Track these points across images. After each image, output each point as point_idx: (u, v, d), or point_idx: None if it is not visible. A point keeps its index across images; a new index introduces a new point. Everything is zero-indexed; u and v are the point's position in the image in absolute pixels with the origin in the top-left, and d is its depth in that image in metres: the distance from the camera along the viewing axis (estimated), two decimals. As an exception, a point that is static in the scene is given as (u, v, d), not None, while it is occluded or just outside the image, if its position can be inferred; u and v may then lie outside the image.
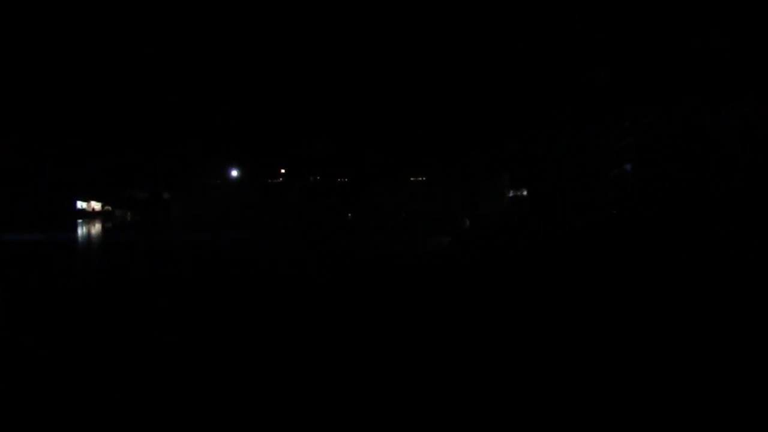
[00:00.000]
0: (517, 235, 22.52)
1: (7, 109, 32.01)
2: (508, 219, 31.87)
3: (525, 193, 39.84)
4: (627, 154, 28.81)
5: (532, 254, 15.77)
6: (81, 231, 32.48)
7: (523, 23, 35.09)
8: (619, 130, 29.09)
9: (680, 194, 22.60)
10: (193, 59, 34.47)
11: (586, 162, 31.73)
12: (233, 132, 37.06)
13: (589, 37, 30.76)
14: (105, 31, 32.58)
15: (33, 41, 31.67)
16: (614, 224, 20.39)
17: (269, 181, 41.02)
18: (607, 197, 28.66)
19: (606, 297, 8.97)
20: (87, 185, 39.41)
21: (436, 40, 36.85)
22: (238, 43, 35.74)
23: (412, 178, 41.75)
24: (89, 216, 43.16)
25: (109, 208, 44.89)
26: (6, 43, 31.08)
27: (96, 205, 45.62)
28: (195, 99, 36.07)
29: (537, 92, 34.87)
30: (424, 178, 41.64)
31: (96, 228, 35.23)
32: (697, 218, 17.80)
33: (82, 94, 33.16)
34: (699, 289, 9.22)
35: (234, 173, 40.49)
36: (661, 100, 25.79)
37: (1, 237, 25.96)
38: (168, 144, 36.26)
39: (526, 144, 36.18)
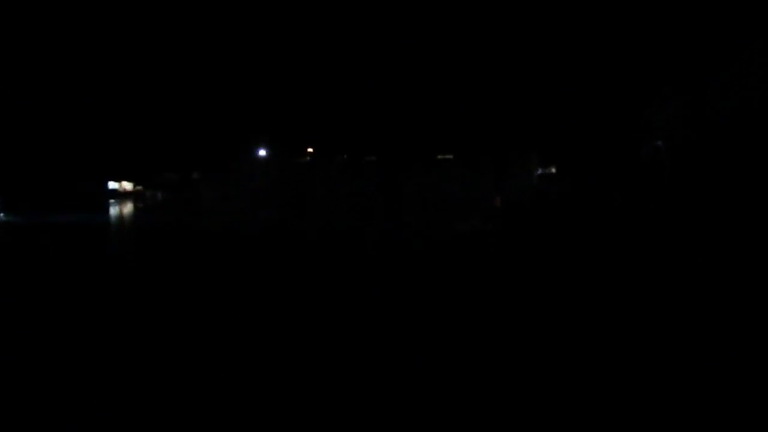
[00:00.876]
0: (552, 219, 22.72)
1: (42, 92, 33.29)
2: (541, 200, 32.56)
3: (553, 170, 40.49)
4: (661, 130, 29.25)
5: (570, 238, 15.90)
6: (114, 211, 33.96)
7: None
8: (654, 103, 29.53)
9: (716, 179, 22.33)
10: (220, 42, 35.30)
11: (618, 138, 32.28)
12: (260, 111, 38.08)
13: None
14: (138, 12, 33.41)
15: (64, 20, 32.61)
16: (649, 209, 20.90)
17: (297, 160, 41.99)
18: (639, 177, 28.61)
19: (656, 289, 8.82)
20: (119, 166, 40.58)
21: (466, 16, 37.13)
22: (264, 21, 36.45)
23: (439, 156, 42.23)
24: (121, 196, 44.56)
25: (141, 188, 46.12)
26: (40, 25, 32.03)
27: (128, 186, 46.96)
28: (220, 79, 37.05)
29: (566, 65, 35.58)
30: (452, 157, 42.10)
31: (128, 208, 36.62)
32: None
33: (113, 78, 34.38)
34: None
35: (262, 153, 41.48)
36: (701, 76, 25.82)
37: (39, 218, 27.00)
38: (197, 125, 37.13)
39: (556, 119, 36.77)
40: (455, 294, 8.77)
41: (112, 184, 44.72)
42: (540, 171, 40.82)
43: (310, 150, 42.14)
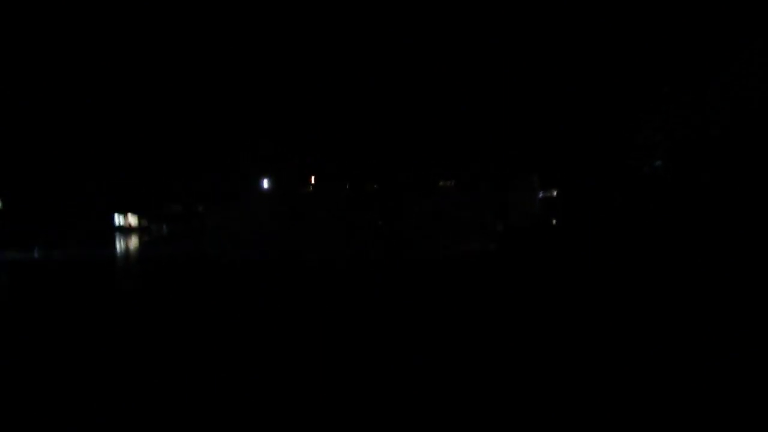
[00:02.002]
0: (552, 241, 24.39)
1: (45, 125, 34.93)
2: (541, 223, 34.35)
3: (555, 193, 41.71)
4: (659, 151, 30.54)
5: (571, 261, 16.68)
6: (121, 246, 35.25)
7: (551, 17, 36.39)
8: (651, 125, 30.37)
9: (718, 197, 23.71)
10: (220, 76, 37.04)
11: (618, 159, 33.27)
12: (262, 144, 39.76)
13: (620, 30, 31.19)
14: (140, 43, 35.07)
15: (67, 50, 34.30)
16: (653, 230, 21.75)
17: (300, 190, 43.57)
18: (640, 198, 30.21)
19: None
20: (123, 200, 42.08)
21: (462, 41, 38.65)
22: (263, 54, 38.25)
23: (441, 183, 43.74)
24: (126, 231, 45.87)
25: (145, 222, 47.42)
26: (39, 54, 33.54)
27: (132, 220, 48.28)
28: (222, 112, 38.77)
29: (565, 87, 35.82)
30: (452, 183, 43.65)
31: (134, 241, 37.90)
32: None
33: (116, 111, 36.13)
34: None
35: (265, 185, 43.06)
36: (696, 93, 26.70)
37: (45, 255, 28.19)
38: (200, 158, 38.87)
39: (555, 143, 37.77)
40: (459, 311, 9.38)
41: (117, 219, 46.20)
42: (541, 194, 41.92)
43: (312, 179, 43.81)
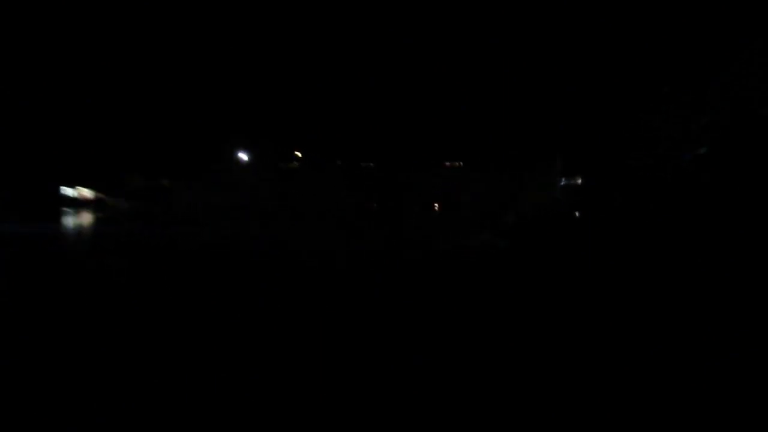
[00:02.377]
0: (574, 239, 21.35)
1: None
2: (562, 216, 30.73)
3: (579, 181, 37.98)
4: (701, 137, 27.78)
5: (596, 265, 14.38)
6: (69, 222, 31.55)
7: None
8: (693, 107, 28.18)
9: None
10: (196, 30, 33.27)
11: (653, 145, 30.43)
12: (243, 111, 35.73)
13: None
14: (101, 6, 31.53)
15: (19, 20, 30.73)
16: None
17: (283, 166, 39.97)
18: (678, 189, 27.14)
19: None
20: (76, 170, 38.28)
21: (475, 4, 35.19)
22: (250, 12, 34.48)
23: (447, 163, 40.13)
24: (79, 205, 42.34)
25: (102, 196, 43.89)
26: None
27: (87, 193, 44.80)
28: (197, 73, 34.90)
29: (595, 61, 33.53)
30: (461, 164, 40.08)
31: (86, 218, 34.34)
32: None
33: (71, 65, 32.14)
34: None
35: (243, 157, 39.43)
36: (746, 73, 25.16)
37: None
38: (169, 125, 34.68)
39: (582, 124, 34.96)
40: (451, 327, 7.90)
41: (68, 191, 42.57)
42: (563, 181, 38.28)
43: (298, 154, 40.12)
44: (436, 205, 37.82)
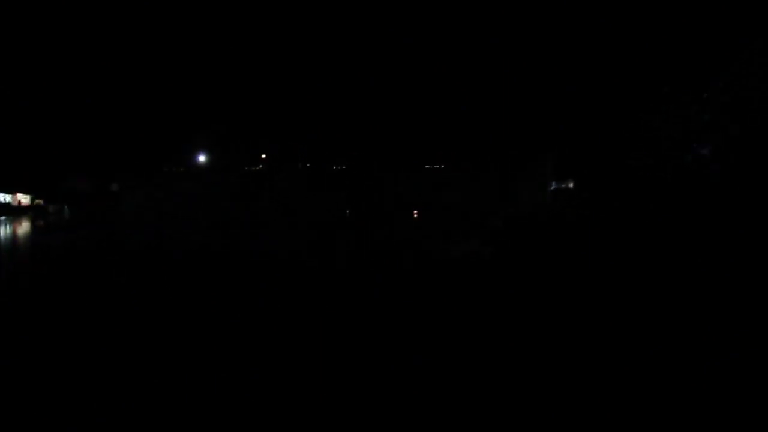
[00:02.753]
0: (566, 245, 20.30)
1: None
2: (553, 220, 29.89)
3: (571, 185, 36.54)
4: (702, 136, 27.19)
5: (591, 273, 13.87)
6: (3, 232, 29.37)
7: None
8: (695, 105, 27.12)
9: None
10: (157, 21, 31.07)
11: (653, 146, 29.06)
12: (202, 109, 33.55)
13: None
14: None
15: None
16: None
17: (247, 168, 37.74)
18: (685, 193, 26.38)
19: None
20: (11, 174, 35.74)
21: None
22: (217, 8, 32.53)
23: (428, 166, 38.30)
24: (15, 212, 39.75)
25: (41, 202, 41.43)
26: None
27: (24, 199, 42.27)
28: (153, 67, 32.72)
29: (592, 60, 32.65)
30: (443, 166, 38.20)
31: (23, 228, 32.07)
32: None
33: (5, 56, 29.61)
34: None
35: (202, 158, 37.19)
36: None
37: None
38: (117, 122, 32.18)
39: (577, 123, 33.93)
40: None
41: (4, 197, 40.00)
42: (554, 185, 37.25)
43: (263, 156, 37.67)
44: (415, 211, 35.92)
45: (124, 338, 8.21)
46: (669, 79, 28.27)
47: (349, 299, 11.19)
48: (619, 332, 8.17)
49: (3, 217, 37.12)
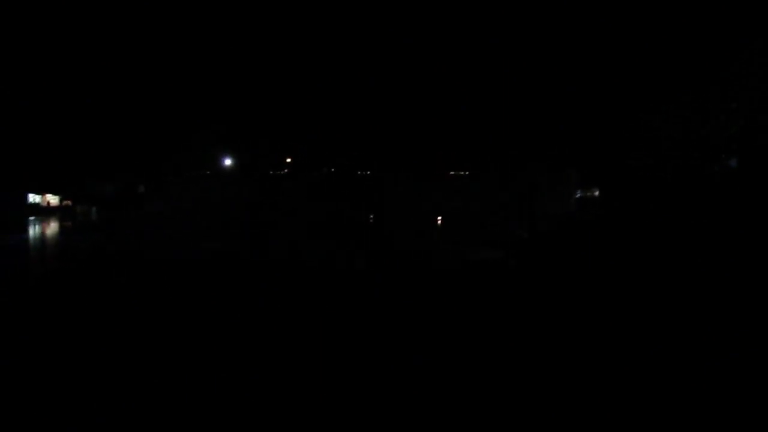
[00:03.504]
0: (593, 256, 20.17)
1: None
2: (578, 231, 29.46)
3: (597, 193, 37.17)
4: (732, 145, 27.64)
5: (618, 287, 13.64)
6: (33, 232, 30.94)
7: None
8: (722, 115, 27.51)
9: None
10: (179, 26, 32.47)
11: (679, 154, 29.62)
12: (227, 112, 35.05)
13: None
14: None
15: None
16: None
17: (272, 172, 39.24)
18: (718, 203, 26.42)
19: None
20: (42, 176, 37.30)
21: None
22: (240, 13, 33.78)
23: (452, 173, 39.59)
24: (44, 212, 41.38)
25: (69, 203, 42.92)
26: None
27: (53, 200, 43.87)
28: (178, 71, 34.09)
29: (611, 66, 32.83)
30: (467, 173, 39.60)
31: (52, 228, 33.46)
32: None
33: (36, 63, 31.25)
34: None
35: (227, 162, 38.62)
36: None
37: None
38: (145, 126, 33.70)
39: (600, 131, 34.09)
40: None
41: (33, 197, 41.81)
42: (579, 194, 38.25)
43: (288, 161, 39.49)
44: (439, 218, 36.55)
45: (146, 337, 8.69)
46: (687, 82, 28.91)
47: (364, 306, 11.46)
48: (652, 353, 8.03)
49: (33, 218, 38.66)
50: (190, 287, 13.66)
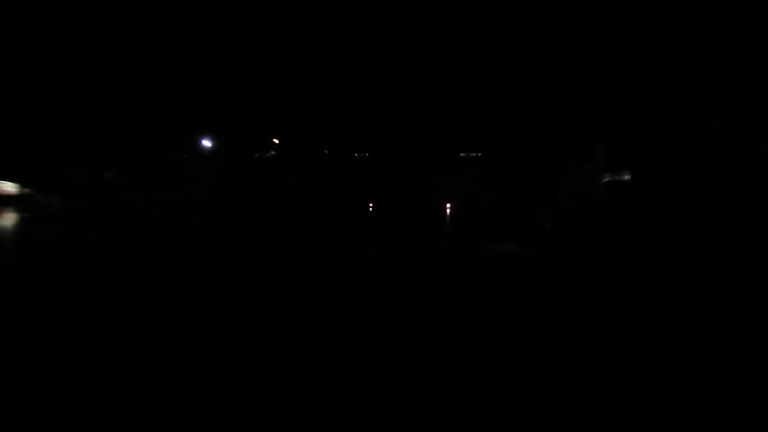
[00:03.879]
0: (625, 249, 18.77)
1: None
2: (607, 218, 28.58)
3: (627, 177, 35.96)
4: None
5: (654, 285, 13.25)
6: None
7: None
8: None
9: None
10: None
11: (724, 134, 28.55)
12: (209, 89, 34.11)
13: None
14: None
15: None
16: None
17: (258, 155, 38.27)
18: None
19: None
20: None
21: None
22: None
23: (462, 154, 38.43)
24: (1, 202, 40.66)
25: (29, 191, 42.17)
26: None
27: (11, 188, 43.15)
28: (149, 43, 32.90)
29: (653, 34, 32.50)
30: (479, 154, 38.26)
31: (9, 220, 32.60)
32: None
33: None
34: None
35: (206, 143, 37.72)
36: None
37: None
38: (113, 106, 32.88)
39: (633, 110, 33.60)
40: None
41: None
42: (608, 177, 36.60)
43: (276, 141, 38.04)
44: (448, 205, 36.10)
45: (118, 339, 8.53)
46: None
47: (365, 303, 11.41)
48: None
49: (-14, 207, 38.55)
50: (172, 289, 13.06)
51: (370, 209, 36.85)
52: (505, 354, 8.20)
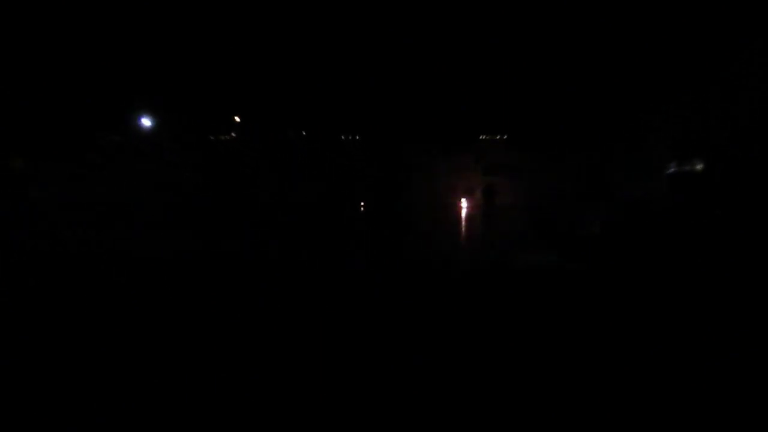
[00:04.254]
0: (697, 258, 17.07)
1: None
2: (674, 219, 27.79)
3: (699, 167, 33.85)
4: None
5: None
6: None
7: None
8: None
9: None
10: None
11: None
12: (145, 51, 30.81)
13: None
14: None
15: None
16: None
17: (214, 138, 35.71)
18: None
19: None
20: None
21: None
22: None
23: (482, 137, 35.58)
24: None
25: None
26: None
27: None
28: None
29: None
30: (504, 137, 35.72)
31: None
32: None
33: None
34: None
35: (147, 123, 34.42)
36: None
37: None
38: (27, 79, 29.66)
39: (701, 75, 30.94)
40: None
41: None
42: (673, 168, 34.12)
43: (236, 119, 34.58)
44: (464, 203, 34.77)
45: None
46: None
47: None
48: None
49: None
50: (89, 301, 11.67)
51: (362, 209, 34.70)
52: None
